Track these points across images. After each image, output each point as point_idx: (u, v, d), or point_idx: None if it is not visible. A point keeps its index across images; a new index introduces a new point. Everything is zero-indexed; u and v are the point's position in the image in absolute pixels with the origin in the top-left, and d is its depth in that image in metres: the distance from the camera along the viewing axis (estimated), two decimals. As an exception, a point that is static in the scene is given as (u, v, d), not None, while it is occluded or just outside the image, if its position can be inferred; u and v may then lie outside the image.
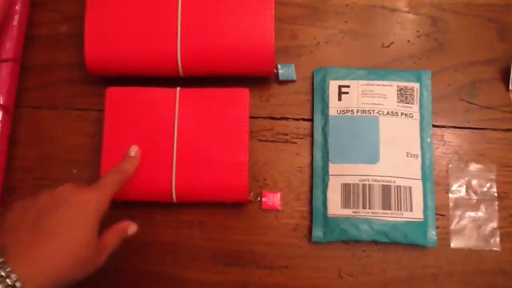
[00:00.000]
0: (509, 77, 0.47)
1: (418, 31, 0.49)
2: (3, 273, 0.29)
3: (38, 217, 0.33)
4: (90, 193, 0.36)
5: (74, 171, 0.48)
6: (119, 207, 0.45)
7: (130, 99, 0.45)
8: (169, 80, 0.46)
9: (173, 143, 0.44)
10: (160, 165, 0.44)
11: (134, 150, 0.43)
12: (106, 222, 0.45)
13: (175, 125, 0.44)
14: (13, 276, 0.29)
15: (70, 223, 0.33)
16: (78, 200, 0.35)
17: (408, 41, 0.49)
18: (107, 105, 0.45)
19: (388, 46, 0.49)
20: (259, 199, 0.46)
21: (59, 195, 0.35)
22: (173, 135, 0.44)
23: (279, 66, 0.47)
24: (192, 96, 0.45)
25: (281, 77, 0.48)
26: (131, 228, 0.40)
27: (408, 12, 0.50)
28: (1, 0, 0.44)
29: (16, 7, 0.48)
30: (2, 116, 0.46)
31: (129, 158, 0.43)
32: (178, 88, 0.45)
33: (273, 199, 0.46)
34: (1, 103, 0.46)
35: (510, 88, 0.47)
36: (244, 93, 0.45)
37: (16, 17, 0.48)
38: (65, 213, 0.34)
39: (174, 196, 0.43)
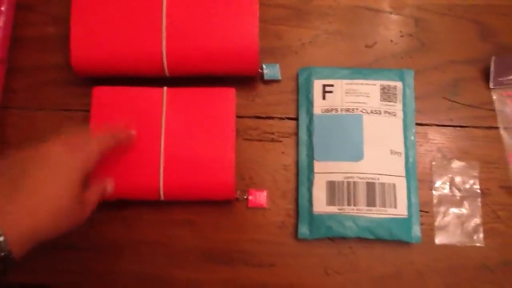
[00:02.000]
0: (490, 76, 0.48)
1: (401, 31, 0.50)
2: None
3: (21, 175, 0.33)
4: (77, 154, 0.36)
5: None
6: (109, 208, 0.46)
7: (117, 99, 0.45)
8: (157, 80, 0.47)
9: (160, 142, 0.44)
10: (148, 164, 0.44)
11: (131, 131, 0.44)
12: (96, 223, 0.45)
13: (162, 124, 0.45)
14: None
15: (53, 181, 0.33)
16: (64, 159, 0.35)
17: (391, 41, 0.50)
18: (94, 104, 0.45)
19: (372, 46, 0.50)
20: (245, 197, 0.46)
21: (45, 153, 0.35)
22: (161, 134, 0.44)
23: (264, 66, 0.48)
24: (179, 96, 0.45)
25: (266, 77, 0.48)
26: (109, 186, 0.42)
27: (391, 13, 0.51)
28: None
29: (2, 8, 0.48)
30: (-11, 117, 0.46)
31: (125, 129, 0.43)
32: (165, 88, 0.46)
33: (259, 197, 0.46)
34: (-12, 103, 0.46)
35: (491, 86, 0.48)
36: (230, 92, 0.46)
37: (2, 18, 0.48)
38: (49, 172, 0.34)
39: (161, 194, 0.44)
